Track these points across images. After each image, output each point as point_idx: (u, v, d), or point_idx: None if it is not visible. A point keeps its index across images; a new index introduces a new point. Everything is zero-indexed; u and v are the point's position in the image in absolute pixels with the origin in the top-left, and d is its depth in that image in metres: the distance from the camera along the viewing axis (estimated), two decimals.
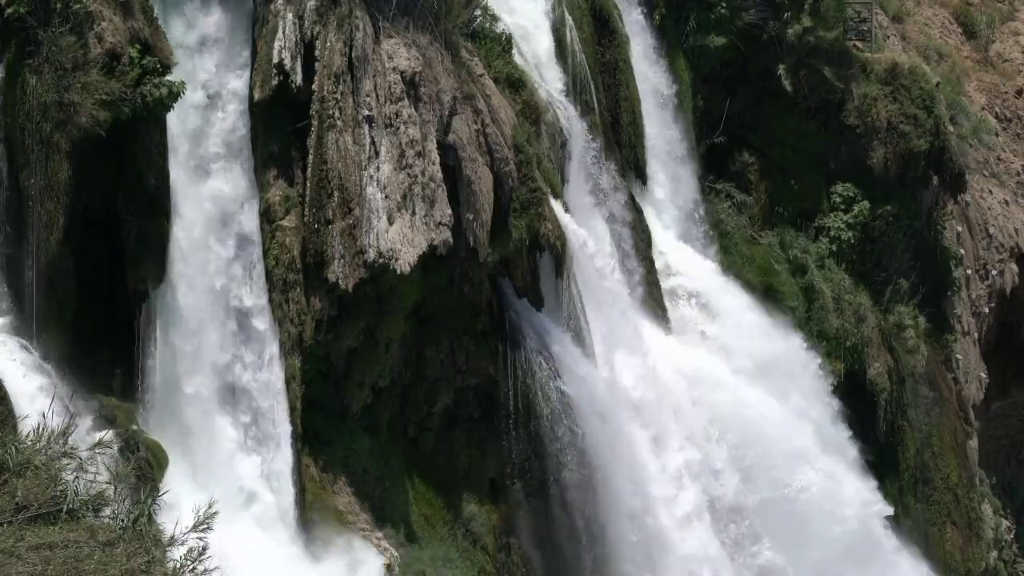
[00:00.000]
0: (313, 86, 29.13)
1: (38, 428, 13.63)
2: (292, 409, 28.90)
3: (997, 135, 50.55)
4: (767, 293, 40.72)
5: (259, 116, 28.85)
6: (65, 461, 13.41)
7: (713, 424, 35.92)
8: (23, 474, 13.10)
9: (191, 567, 13.10)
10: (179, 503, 16.97)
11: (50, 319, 25.90)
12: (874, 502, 39.34)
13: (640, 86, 38.58)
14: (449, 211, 29.96)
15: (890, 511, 39.90)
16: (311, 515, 29.05)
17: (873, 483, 39.80)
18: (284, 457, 28.81)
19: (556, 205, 33.30)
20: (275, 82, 28.71)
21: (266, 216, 29.00)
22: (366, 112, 29.36)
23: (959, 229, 46.66)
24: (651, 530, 33.72)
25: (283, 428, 28.82)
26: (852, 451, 39.94)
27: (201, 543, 13.36)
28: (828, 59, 42.88)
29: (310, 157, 29.05)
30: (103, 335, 27.08)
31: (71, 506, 13.01)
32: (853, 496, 38.62)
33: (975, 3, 54.37)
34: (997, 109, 51.72)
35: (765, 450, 36.78)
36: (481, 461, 32.41)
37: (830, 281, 42.22)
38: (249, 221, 28.90)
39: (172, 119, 27.01)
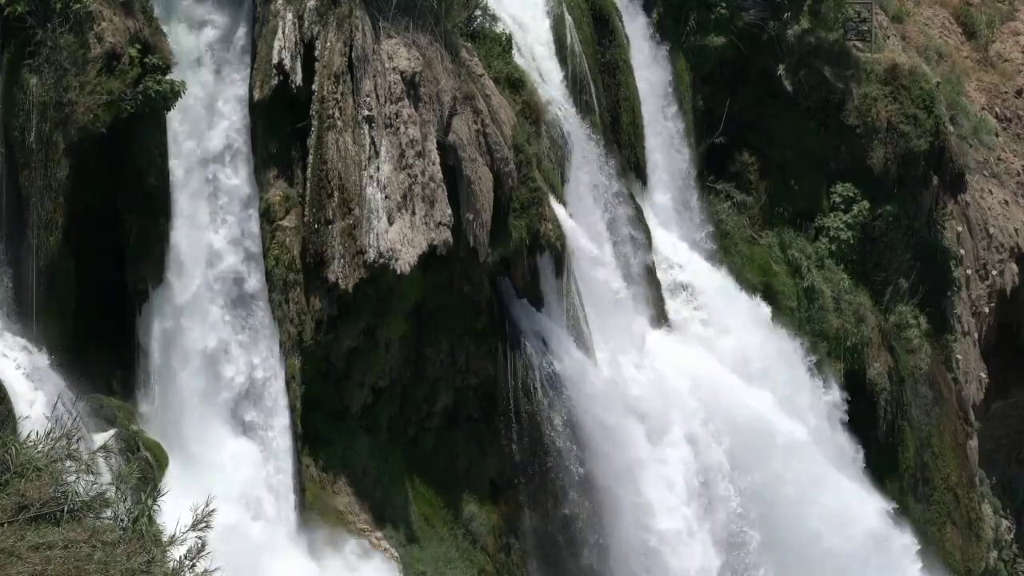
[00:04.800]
0: (313, 86, 29.13)
1: (48, 432, 13.65)
2: (292, 409, 28.90)
3: (997, 135, 50.53)
4: (767, 293, 40.71)
5: (259, 116, 28.85)
6: (68, 463, 13.42)
7: (713, 423, 35.90)
8: (25, 475, 13.11)
9: (190, 565, 13.11)
10: (179, 503, 16.96)
11: (50, 319, 25.91)
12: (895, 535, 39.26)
13: (640, 86, 38.57)
14: (449, 211, 29.97)
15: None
16: (311, 515, 29.05)
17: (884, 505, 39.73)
18: (284, 457, 28.80)
19: (556, 205, 33.30)
20: (275, 82, 28.71)
21: (266, 216, 29.00)
22: (366, 112, 29.36)
23: (959, 229, 46.63)
24: (651, 529, 33.70)
25: (283, 428, 28.81)
26: (857, 456, 40.00)
27: (200, 541, 13.37)
28: (828, 59, 42.88)
29: (310, 157, 29.05)
30: (103, 335, 27.10)
31: (72, 506, 13.02)
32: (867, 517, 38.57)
33: (975, 3, 54.35)
34: (997, 109, 51.71)
35: (764, 451, 36.76)
36: (481, 461, 32.40)
37: (830, 281, 42.20)
38: None
39: None
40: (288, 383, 28.87)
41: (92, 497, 13.22)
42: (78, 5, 25.51)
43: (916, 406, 43.37)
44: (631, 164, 38.10)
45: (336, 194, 28.98)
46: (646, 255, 36.94)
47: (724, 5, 40.39)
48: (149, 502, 13.64)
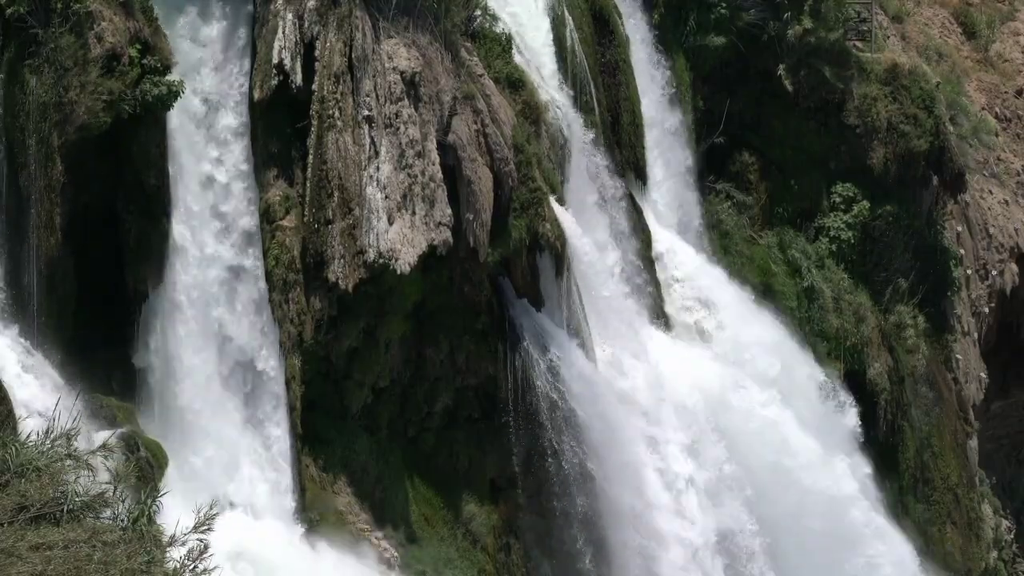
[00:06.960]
0: (313, 86, 29.14)
1: (48, 432, 13.64)
2: (292, 409, 28.90)
3: (997, 135, 50.49)
4: (767, 293, 40.71)
5: (259, 116, 28.85)
6: (68, 463, 13.40)
7: (713, 423, 35.89)
8: (25, 475, 13.09)
9: (191, 567, 13.09)
10: (177, 503, 16.97)
11: (50, 319, 25.91)
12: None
13: (640, 86, 38.57)
14: (449, 211, 29.97)
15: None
16: (311, 515, 29.05)
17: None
18: (284, 457, 28.81)
19: (556, 205, 33.30)
20: (275, 82, 28.71)
21: (266, 216, 29.01)
22: (366, 112, 29.37)
23: (959, 229, 46.63)
24: (651, 530, 33.69)
25: (283, 428, 28.82)
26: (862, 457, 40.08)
27: (202, 543, 13.35)
28: (828, 59, 42.86)
29: (310, 157, 29.06)
30: (103, 335, 27.09)
31: (72, 506, 13.00)
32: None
33: (975, 3, 54.33)
34: (997, 109, 51.68)
35: (765, 450, 36.77)
36: (481, 461, 32.41)
37: (830, 281, 42.20)
38: None
39: None
40: (288, 383, 28.88)
41: (92, 497, 13.20)
42: (78, 5, 25.52)
43: (916, 406, 43.36)
44: (631, 164, 38.12)
45: (336, 194, 28.98)
46: (646, 255, 36.95)
47: (724, 5, 40.39)
48: (149, 502, 13.62)
